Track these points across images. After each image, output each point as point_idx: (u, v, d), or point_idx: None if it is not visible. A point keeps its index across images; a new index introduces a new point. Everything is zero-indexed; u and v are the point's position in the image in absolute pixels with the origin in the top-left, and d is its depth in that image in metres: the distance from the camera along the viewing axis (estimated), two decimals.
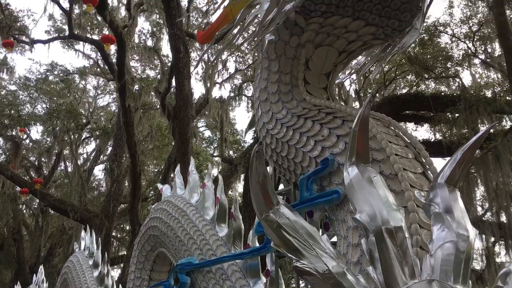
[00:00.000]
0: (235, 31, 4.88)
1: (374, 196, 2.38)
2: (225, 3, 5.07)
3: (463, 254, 2.28)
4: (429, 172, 4.03)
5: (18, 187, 21.41)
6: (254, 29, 5.16)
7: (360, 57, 5.31)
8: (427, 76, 13.42)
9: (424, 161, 3.79)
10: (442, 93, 12.16)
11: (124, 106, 13.60)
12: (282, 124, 4.98)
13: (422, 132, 13.74)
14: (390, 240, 2.20)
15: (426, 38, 12.70)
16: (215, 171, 21.57)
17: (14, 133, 21.38)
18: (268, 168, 4.66)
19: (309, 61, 5.20)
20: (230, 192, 19.70)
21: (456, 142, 9.67)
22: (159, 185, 8.88)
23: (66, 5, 14.88)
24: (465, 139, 8.35)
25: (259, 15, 4.71)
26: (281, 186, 5.41)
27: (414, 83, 14.22)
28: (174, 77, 11.84)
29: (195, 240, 6.61)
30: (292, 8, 4.16)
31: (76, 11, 15.17)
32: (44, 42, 17.04)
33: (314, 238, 2.31)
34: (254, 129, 5.19)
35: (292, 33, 4.78)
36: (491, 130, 7.96)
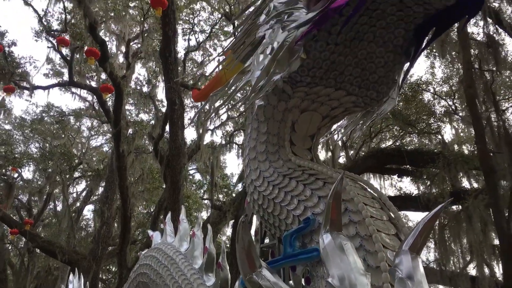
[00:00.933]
0: (228, 93, 5.31)
1: (344, 262, 2.73)
2: (221, 64, 5.52)
3: None
4: (402, 233, 4.38)
5: (8, 227, 21.35)
6: (246, 92, 5.59)
7: (343, 120, 5.76)
8: (410, 130, 13.95)
9: (397, 223, 4.14)
10: (424, 149, 12.62)
11: (118, 151, 13.91)
12: (269, 182, 5.34)
13: (407, 184, 14.15)
14: None
15: (410, 94, 13.30)
16: (204, 215, 21.70)
17: (7, 173, 21.50)
18: (251, 233, 4.96)
19: (295, 124, 5.62)
20: (221, 237, 19.77)
21: (433, 199, 10.05)
22: (150, 232, 9.09)
23: (66, 50, 15.47)
24: (442, 196, 8.74)
25: (250, 81, 5.15)
26: (266, 240, 5.72)
27: (398, 137, 14.74)
28: (168, 126, 12.23)
29: None
30: (280, 78, 4.60)
31: (76, 55, 15.71)
32: (44, 88, 17.49)
33: None
34: (242, 182, 5.53)
35: (280, 99, 5.21)
36: (474, 184, 8.35)
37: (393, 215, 4.31)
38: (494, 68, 9.25)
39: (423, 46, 3.30)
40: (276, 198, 5.00)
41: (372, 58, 3.66)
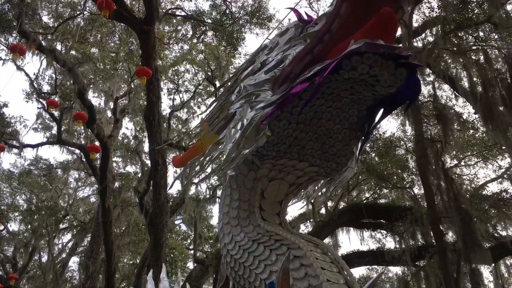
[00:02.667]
0: (205, 162, 5.83)
1: None
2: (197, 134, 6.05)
3: None
4: None
5: None
6: (220, 161, 6.11)
7: (309, 187, 6.26)
8: (385, 185, 14.45)
9: (352, 286, 4.57)
10: (396, 204, 13.09)
11: (104, 207, 14.19)
12: (240, 246, 5.77)
13: (385, 237, 14.41)
14: None
15: (383, 150, 13.87)
16: (190, 265, 21.58)
17: None
18: None
19: (264, 191, 6.11)
20: None
21: (397, 256, 10.44)
22: None
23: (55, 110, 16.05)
24: (409, 252, 9.15)
25: (224, 152, 5.66)
26: None
27: (375, 190, 15.22)
28: (151, 184, 12.60)
29: None
30: (249, 152, 5.12)
31: (65, 119, 16.28)
32: (33, 146, 17.97)
33: None
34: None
35: (250, 169, 5.73)
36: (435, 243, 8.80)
37: (349, 278, 4.79)
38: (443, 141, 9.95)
39: (375, 122, 3.82)
40: (246, 261, 5.46)
41: (331, 134, 4.20)
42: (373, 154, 13.87)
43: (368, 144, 14.14)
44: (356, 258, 12.02)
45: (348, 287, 4.68)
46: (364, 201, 14.52)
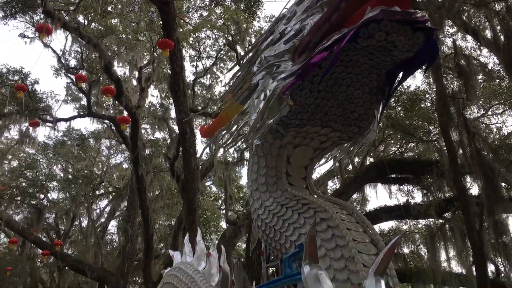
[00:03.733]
0: (231, 131, 6.07)
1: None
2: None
3: None
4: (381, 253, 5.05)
5: (39, 250, 22.47)
6: (245, 131, 6.35)
7: (333, 150, 6.42)
8: (410, 140, 14.38)
9: (378, 244, 4.82)
10: (422, 158, 13.07)
11: (137, 175, 14.72)
12: (269, 211, 6.08)
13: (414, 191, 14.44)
14: None
15: (408, 104, 13.71)
16: (223, 224, 22.29)
17: (35, 202, 22.60)
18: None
19: (290, 157, 6.33)
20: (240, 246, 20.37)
21: (422, 211, 10.57)
22: (171, 252, 9.87)
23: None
24: (437, 203, 9.27)
25: (249, 122, 5.87)
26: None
27: (401, 144, 15.18)
28: (181, 152, 12.93)
29: None
30: (273, 122, 5.31)
31: (93, 90, 16.71)
32: (66, 120, 18.64)
33: None
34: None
35: (275, 137, 5.95)
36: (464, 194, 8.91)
37: (374, 237, 5.04)
38: (465, 96, 9.78)
39: (395, 85, 3.94)
40: (276, 225, 5.78)
41: (352, 100, 4.34)
42: (399, 108, 13.79)
43: (393, 99, 14.04)
44: (384, 213, 12.26)
45: (373, 245, 4.95)
46: (390, 156, 14.56)
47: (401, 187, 14.20)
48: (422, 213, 10.70)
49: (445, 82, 9.39)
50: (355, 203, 17.13)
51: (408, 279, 12.35)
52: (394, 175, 13.23)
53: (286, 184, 6.11)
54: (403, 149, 15.23)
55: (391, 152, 15.72)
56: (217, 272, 7.60)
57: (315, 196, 5.91)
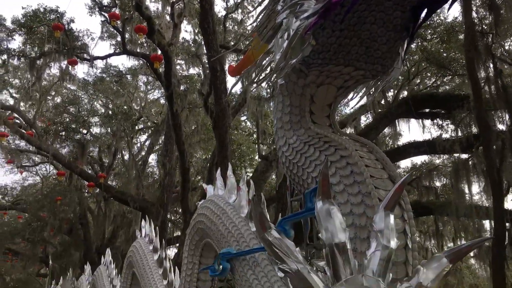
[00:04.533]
0: (256, 71, 6.19)
1: (331, 223, 3.74)
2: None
3: (384, 258, 3.58)
4: None
5: (85, 181, 23.90)
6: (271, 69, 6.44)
7: (357, 88, 6.45)
8: (445, 73, 13.89)
9: (395, 180, 4.99)
10: (455, 92, 12.66)
11: (172, 111, 15.13)
12: (293, 148, 6.32)
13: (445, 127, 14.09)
14: (337, 250, 3.52)
15: (445, 36, 13.11)
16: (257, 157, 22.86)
17: (79, 136, 23.68)
18: (261, 206, 6.13)
19: (313, 96, 6.43)
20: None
21: (448, 147, 10.45)
22: (204, 185, 10.39)
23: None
24: (465, 139, 9.18)
25: (273, 62, 5.96)
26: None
27: (437, 77, 14.70)
28: (213, 88, 13.09)
29: (233, 234, 8.07)
30: (296, 62, 5.39)
31: (127, 27, 16.84)
32: (102, 58, 19.08)
33: (291, 250, 3.73)
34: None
35: (298, 76, 6.04)
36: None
37: (392, 174, 5.22)
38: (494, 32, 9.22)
39: (420, 21, 3.96)
40: (299, 162, 6.06)
41: (375, 38, 4.38)
42: (435, 40, 13.27)
43: (429, 30, 13.51)
44: (412, 148, 12.25)
45: (390, 181, 5.16)
46: (424, 91, 14.22)
47: (433, 122, 14.02)
48: (447, 148, 10.68)
49: (475, 16, 8.95)
50: (387, 138, 17.13)
51: (432, 212, 12.60)
52: (427, 110, 13.02)
53: (309, 122, 6.29)
54: (438, 82, 14.82)
55: (424, 87, 15.32)
56: (246, 204, 8.06)
57: (338, 134, 6.09)
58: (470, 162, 10.66)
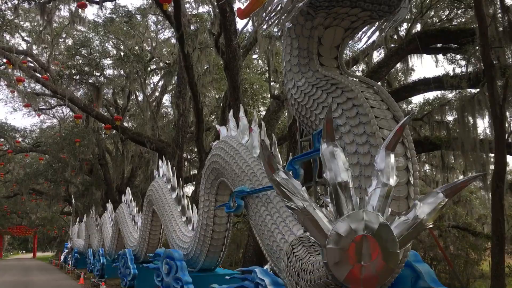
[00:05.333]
0: (265, 13, 6.24)
1: (334, 163, 4.04)
2: None
3: (384, 195, 3.88)
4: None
5: (101, 124, 24.36)
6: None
7: (365, 28, 6.47)
8: (458, 6, 13.44)
9: (399, 120, 5.20)
10: (466, 27, 12.32)
11: (183, 52, 15.11)
12: (301, 91, 6.51)
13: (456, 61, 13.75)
14: (340, 188, 3.83)
15: None
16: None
17: (93, 79, 23.86)
18: (269, 149, 6.36)
19: (321, 38, 6.51)
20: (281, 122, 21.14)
21: (455, 84, 10.38)
22: (217, 126, 10.71)
23: None
24: (475, 75, 9.14)
25: (281, 3, 6.00)
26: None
27: (450, 10, 14.23)
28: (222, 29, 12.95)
29: (246, 173, 8.50)
30: (303, 5, 5.44)
31: None
32: (111, 0, 18.75)
33: (297, 189, 4.04)
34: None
35: (306, 19, 6.12)
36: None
37: (396, 114, 5.45)
38: None
39: None
40: (307, 104, 6.31)
41: None
42: None
43: None
44: (422, 85, 12.21)
45: (395, 121, 5.39)
46: (436, 26, 13.88)
47: (446, 57, 13.81)
48: (455, 85, 10.66)
49: None
50: (400, 73, 17.00)
51: (438, 147, 12.82)
52: (440, 45, 12.81)
53: (317, 64, 6.47)
54: (451, 16, 14.43)
55: (437, 21, 14.90)
56: (258, 144, 8.40)
57: (345, 75, 6.24)
58: (475, 98, 10.68)
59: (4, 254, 66.00)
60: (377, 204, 4.18)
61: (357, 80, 6.58)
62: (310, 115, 6.82)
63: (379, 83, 16.19)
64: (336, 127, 6.07)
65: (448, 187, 4.34)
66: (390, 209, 4.24)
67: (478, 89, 10.44)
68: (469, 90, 11.63)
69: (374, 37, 6.49)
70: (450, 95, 16.26)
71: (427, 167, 20.80)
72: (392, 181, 4.29)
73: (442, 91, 16.00)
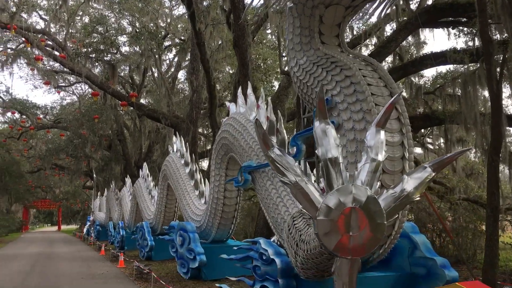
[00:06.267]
0: None
1: (325, 140, 4.26)
2: None
3: (372, 170, 4.10)
4: (398, 105, 5.62)
5: (118, 101, 24.78)
6: None
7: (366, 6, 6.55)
8: None
9: (396, 98, 5.35)
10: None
11: (195, 30, 15.22)
12: (303, 69, 6.69)
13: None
14: (330, 164, 4.06)
15: None
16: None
17: (109, 57, 24.14)
18: (263, 127, 6.49)
19: (322, 17, 6.63)
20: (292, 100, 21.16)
21: (458, 59, 10.31)
22: (227, 103, 10.92)
23: None
24: (481, 49, 9.05)
25: None
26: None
27: None
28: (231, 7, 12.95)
29: (253, 148, 8.78)
30: None
31: None
32: None
33: (290, 165, 4.30)
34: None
35: None
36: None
37: (393, 91, 5.62)
38: None
39: None
40: (308, 81, 6.52)
41: None
42: None
43: None
44: (429, 60, 12.13)
45: (391, 98, 5.55)
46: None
47: (454, 30, 13.61)
48: (458, 60, 10.63)
49: None
50: (412, 47, 16.84)
51: (439, 123, 12.86)
52: (451, 18, 12.64)
53: (318, 43, 6.65)
54: None
55: (436, 3, 14.60)
56: (265, 121, 8.64)
57: (346, 53, 6.39)
58: (476, 73, 10.63)
59: (30, 227, 68.37)
60: (365, 178, 4.42)
61: (357, 58, 6.71)
62: (311, 93, 7.02)
63: (389, 57, 16.20)
64: (335, 105, 6.28)
65: (435, 161, 4.54)
66: (379, 183, 4.48)
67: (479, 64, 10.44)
68: (472, 64, 11.60)
69: (386, 11, 6.54)
70: (462, 68, 16.10)
71: (442, 140, 20.78)
72: (381, 157, 4.51)
73: (455, 66, 15.87)
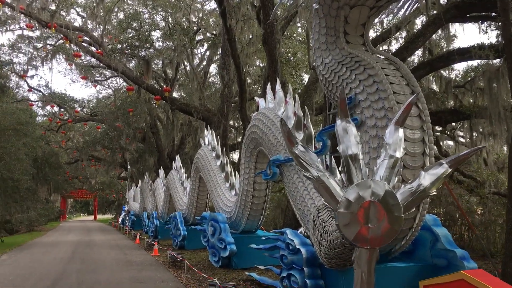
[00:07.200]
0: None
1: (346, 138, 4.54)
2: None
3: (391, 166, 4.36)
4: (419, 102, 5.82)
5: (152, 95, 25.50)
6: None
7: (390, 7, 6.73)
8: None
9: (417, 95, 5.56)
10: None
11: (226, 26, 15.56)
12: (328, 67, 6.96)
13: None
14: (351, 160, 4.34)
15: None
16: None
17: (143, 53, 24.81)
18: (288, 126, 6.75)
19: (347, 17, 6.86)
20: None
21: (484, 56, 10.22)
22: (257, 99, 11.25)
23: None
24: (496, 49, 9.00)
25: None
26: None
27: None
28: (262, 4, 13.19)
29: (281, 142, 9.10)
30: None
31: None
32: None
33: (313, 160, 4.59)
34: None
35: None
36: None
37: (414, 89, 5.84)
38: None
39: None
40: (333, 80, 6.81)
41: None
42: None
43: None
44: (456, 55, 12.07)
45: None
46: None
47: (487, 24, 13.45)
48: (483, 56, 10.58)
49: None
50: (442, 40, 16.68)
51: (467, 117, 12.80)
52: (482, 13, 12.50)
53: (343, 42, 6.91)
54: None
55: None
56: (293, 116, 8.94)
57: (370, 52, 6.61)
58: (500, 70, 10.57)
59: (68, 216, 70.91)
60: (384, 174, 4.68)
61: (380, 57, 6.90)
62: (336, 91, 7.26)
63: (418, 51, 16.10)
64: (358, 102, 6.51)
65: (452, 158, 4.74)
66: (400, 177, 4.72)
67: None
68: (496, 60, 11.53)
69: (411, 10, 6.66)
70: (494, 61, 15.87)
71: (475, 134, 20.53)
72: (399, 154, 4.75)
73: (486, 60, 15.67)
